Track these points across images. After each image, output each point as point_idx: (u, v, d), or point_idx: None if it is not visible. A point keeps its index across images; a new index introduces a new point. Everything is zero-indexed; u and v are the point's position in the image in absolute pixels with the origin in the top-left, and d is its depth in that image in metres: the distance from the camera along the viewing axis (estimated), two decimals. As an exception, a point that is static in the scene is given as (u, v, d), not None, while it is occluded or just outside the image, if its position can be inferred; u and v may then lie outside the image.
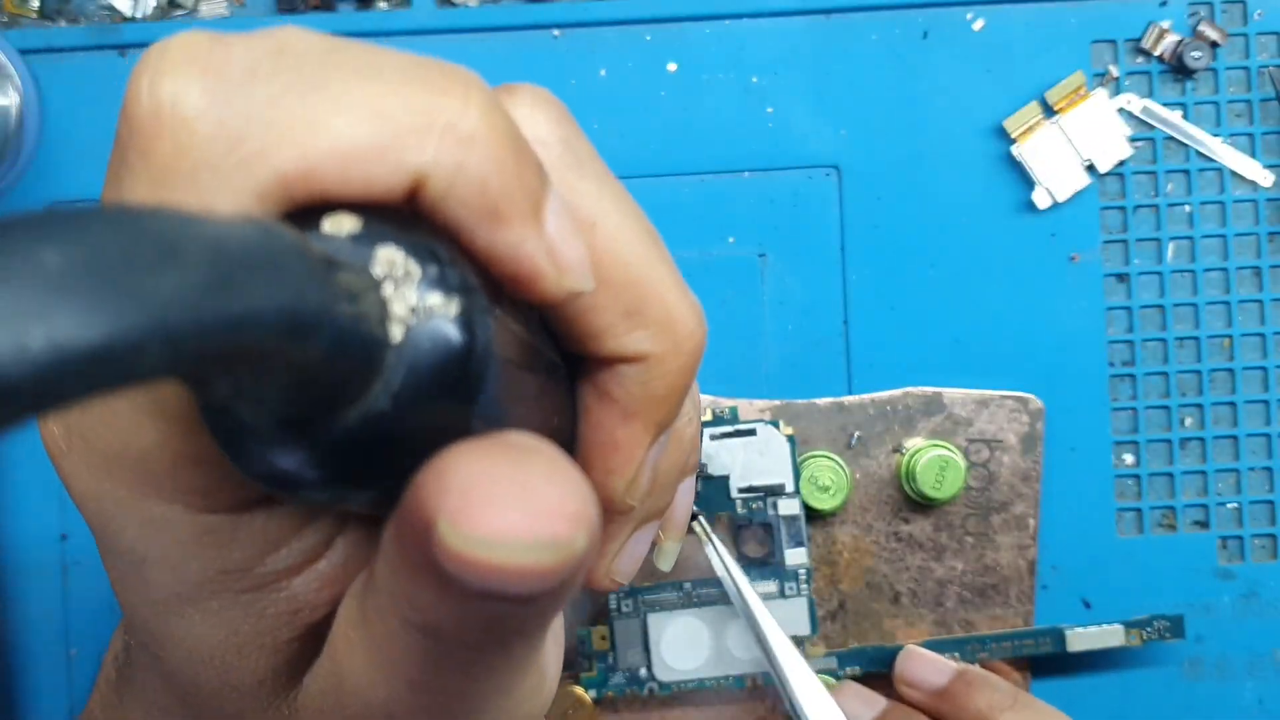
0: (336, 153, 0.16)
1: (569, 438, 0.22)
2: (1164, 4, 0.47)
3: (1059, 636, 0.45)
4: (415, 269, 0.16)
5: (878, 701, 0.44)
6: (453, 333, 0.16)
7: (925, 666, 0.44)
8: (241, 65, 0.17)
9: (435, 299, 0.16)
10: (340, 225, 0.17)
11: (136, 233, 0.12)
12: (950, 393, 0.46)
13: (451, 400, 0.17)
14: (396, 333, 0.16)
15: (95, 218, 0.12)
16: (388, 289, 0.16)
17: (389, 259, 0.16)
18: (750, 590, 0.40)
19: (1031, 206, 0.46)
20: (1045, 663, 0.47)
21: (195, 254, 0.13)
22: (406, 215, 0.17)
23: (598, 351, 0.20)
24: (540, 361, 0.20)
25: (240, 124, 0.16)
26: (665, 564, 0.38)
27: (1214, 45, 0.47)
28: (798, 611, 0.45)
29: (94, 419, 0.19)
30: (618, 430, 0.21)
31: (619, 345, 0.20)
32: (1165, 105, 0.47)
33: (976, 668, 0.44)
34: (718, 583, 0.44)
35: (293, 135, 0.16)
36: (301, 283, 0.14)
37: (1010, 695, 0.42)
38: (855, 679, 0.45)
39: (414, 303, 0.16)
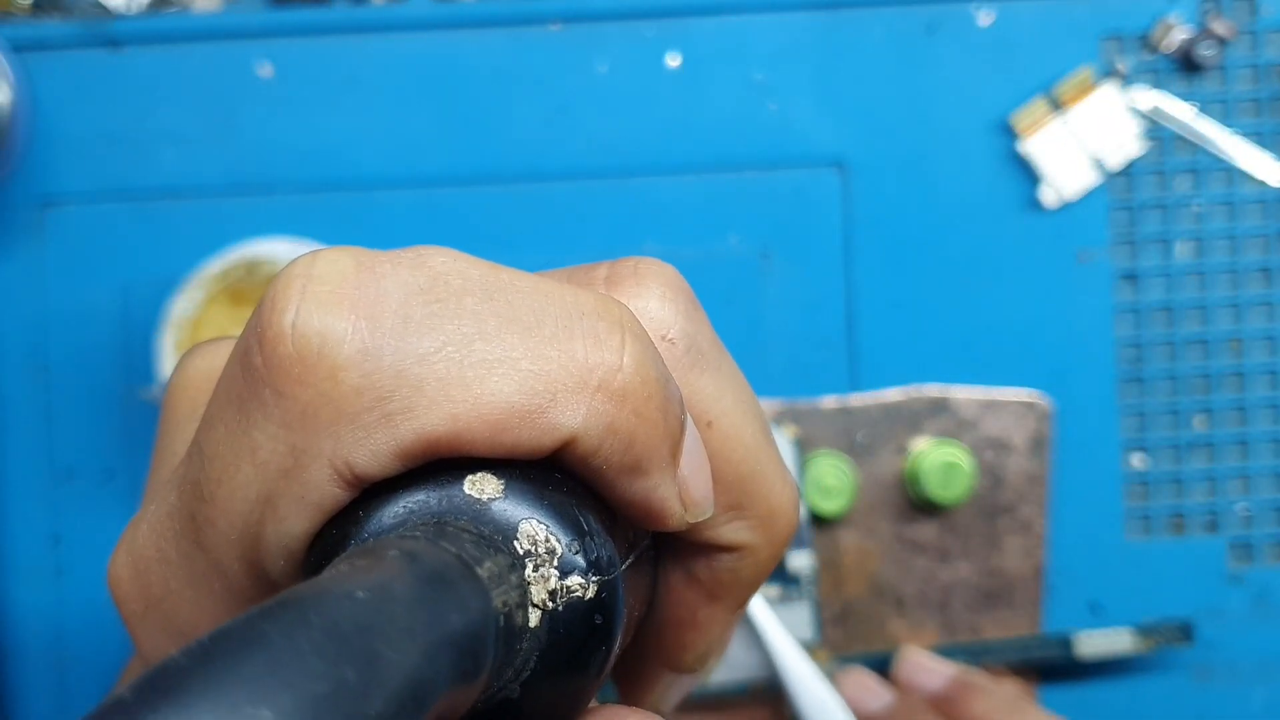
0: (488, 418, 0.16)
1: (646, 612, 0.21)
2: (1173, -1, 0.46)
3: (1066, 642, 0.45)
4: (557, 544, 0.16)
5: (883, 694, 0.44)
6: (591, 619, 0.16)
7: (920, 669, 0.44)
8: (393, 305, 0.16)
9: (575, 580, 0.16)
10: (482, 488, 0.16)
11: (339, 656, 0.12)
12: (957, 394, 0.45)
13: (580, 677, 0.17)
14: (534, 618, 0.16)
15: (296, 652, 0.12)
16: (529, 570, 0.16)
17: (531, 534, 0.16)
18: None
19: (1038, 204, 0.46)
20: (1053, 668, 0.46)
21: (394, 668, 0.13)
22: (545, 467, 0.17)
23: (694, 539, 0.20)
24: (643, 559, 0.20)
25: (388, 381, 0.16)
26: (705, 678, 0.38)
27: (1223, 41, 0.46)
28: (801, 616, 0.44)
29: (179, 602, 0.18)
30: (700, 610, 0.21)
31: (717, 535, 0.20)
32: (1175, 100, 0.46)
33: (975, 672, 0.44)
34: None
35: (444, 395, 0.16)
36: (479, 630, 0.14)
37: (1009, 702, 0.42)
38: (859, 685, 0.45)
39: (553, 586, 0.16)
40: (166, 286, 0.44)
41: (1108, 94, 0.46)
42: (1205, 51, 0.46)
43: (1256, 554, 0.47)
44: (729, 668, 0.43)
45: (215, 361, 0.19)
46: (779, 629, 0.40)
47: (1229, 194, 0.47)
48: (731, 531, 0.20)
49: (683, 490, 0.18)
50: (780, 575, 0.44)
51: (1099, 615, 0.46)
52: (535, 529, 0.16)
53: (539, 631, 0.16)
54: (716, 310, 0.46)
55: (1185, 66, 0.46)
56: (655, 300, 0.19)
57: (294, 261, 0.17)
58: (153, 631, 0.18)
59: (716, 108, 0.46)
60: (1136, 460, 0.47)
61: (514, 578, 0.16)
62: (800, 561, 0.44)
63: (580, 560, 0.16)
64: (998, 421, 0.45)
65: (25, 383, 0.46)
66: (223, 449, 0.17)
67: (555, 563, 0.16)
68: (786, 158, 0.46)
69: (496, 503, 0.16)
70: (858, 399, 0.46)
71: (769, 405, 0.45)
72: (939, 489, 0.44)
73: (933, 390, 0.46)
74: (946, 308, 0.46)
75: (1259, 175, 0.46)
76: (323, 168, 0.46)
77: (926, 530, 0.45)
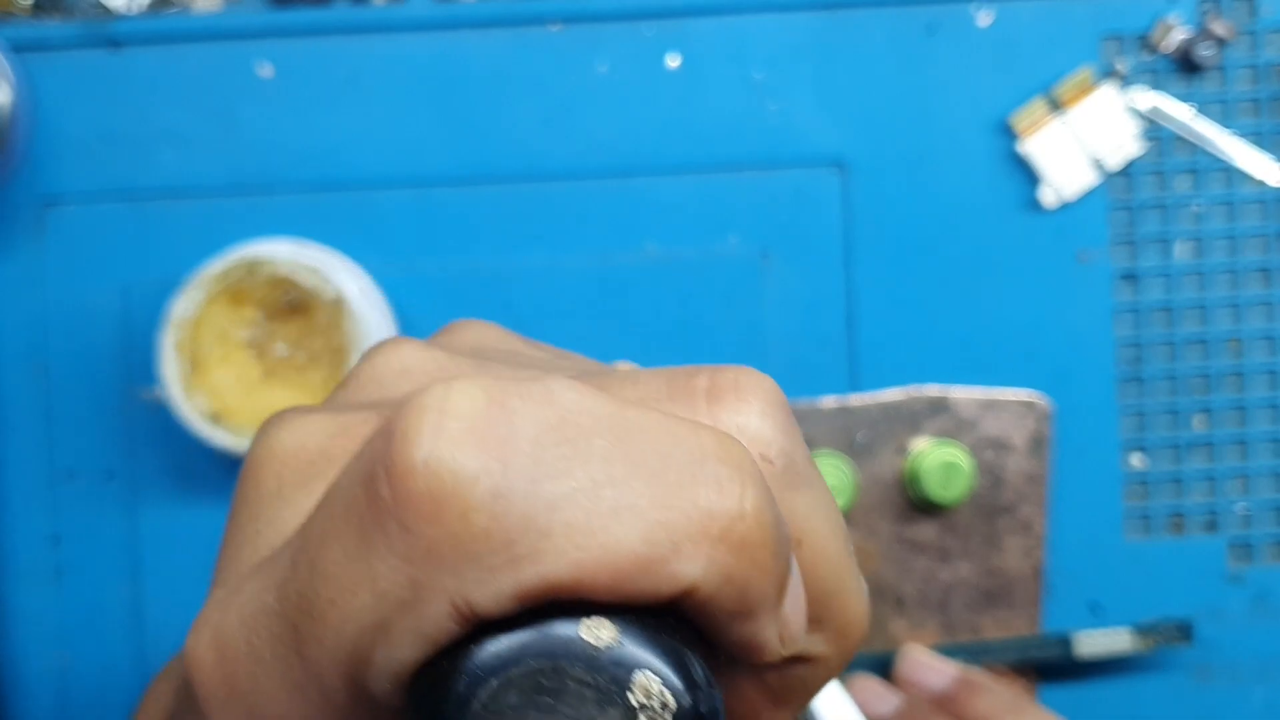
0: (610, 566, 0.16)
1: None
2: (1172, -1, 0.46)
3: (1066, 642, 0.45)
4: (671, 700, 0.16)
5: (891, 699, 0.44)
6: None
7: (925, 669, 0.44)
8: (525, 446, 0.16)
9: None
10: (598, 634, 0.16)
11: None
12: (956, 394, 0.46)
13: None
14: None
15: None
16: None
17: (645, 687, 0.16)
18: None
19: (1038, 204, 0.46)
20: (1053, 668, 0.46)
21: None
22: (656, 611, 0.17)
23: None
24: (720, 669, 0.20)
25: (517, 524, 0.16)
26: None
27: (1222, 41, 0.46)
28: (801, 616, 0.44)
29: (267, 700, 0.18)
30: (764, 713, 0.21)
31: (794, 648, 0.20)
32: (1174, 101, 0.47)
33: (977, 672, 0.44)
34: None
35: (571, 542, 0.16)
36: None
37: (1011, 701, 0.42)
38: (859, 684, 0.45)
39: None
40: (167, 286, 0.45)
41: (1107, 94, 0.46)
42: (1204, 52, 0.46)
43: (1256, 554, 0.47)
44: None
45: (304, 438, 0.19)
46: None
47: (1228, 194, 0.47)
48: (808, 643, 0.20)
49: (782, 627, 0.18)
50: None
51: (1098, 615, 0.47)
52: (649, 681, 0.16)
53: None
54: (716, 310, 0.46)
55: (1184, 67, 0.46)
56: (757, 417, 0.19)
57: (425, 392, 0.17)
58: (232, 718, 0.19)
59: (716, 108, 0.46)
60: (1136, 460, 0.47)
61: None
62: (800, 561, 0.44)
63: (690, 714, 0.16)
64: (997, 421, 0.46)
65: (25, 383, 0.46)
66: (340, 572, 0.17)
67: (669, 717, 0.16)
68: (786, 158, 0.46)
69: (611, 650, 0.16)
70: (857, 399, 0.46)
71: (769, 405, 0.45)
72: (939, 489, 0.44)
73: (932, 390, 0.46)
74: (946, 308, 0.46)
75: (1258, 175, 0.47)
76: (323, 168, 0.46)
77: (926, 530, 0.46)
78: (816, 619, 0.20)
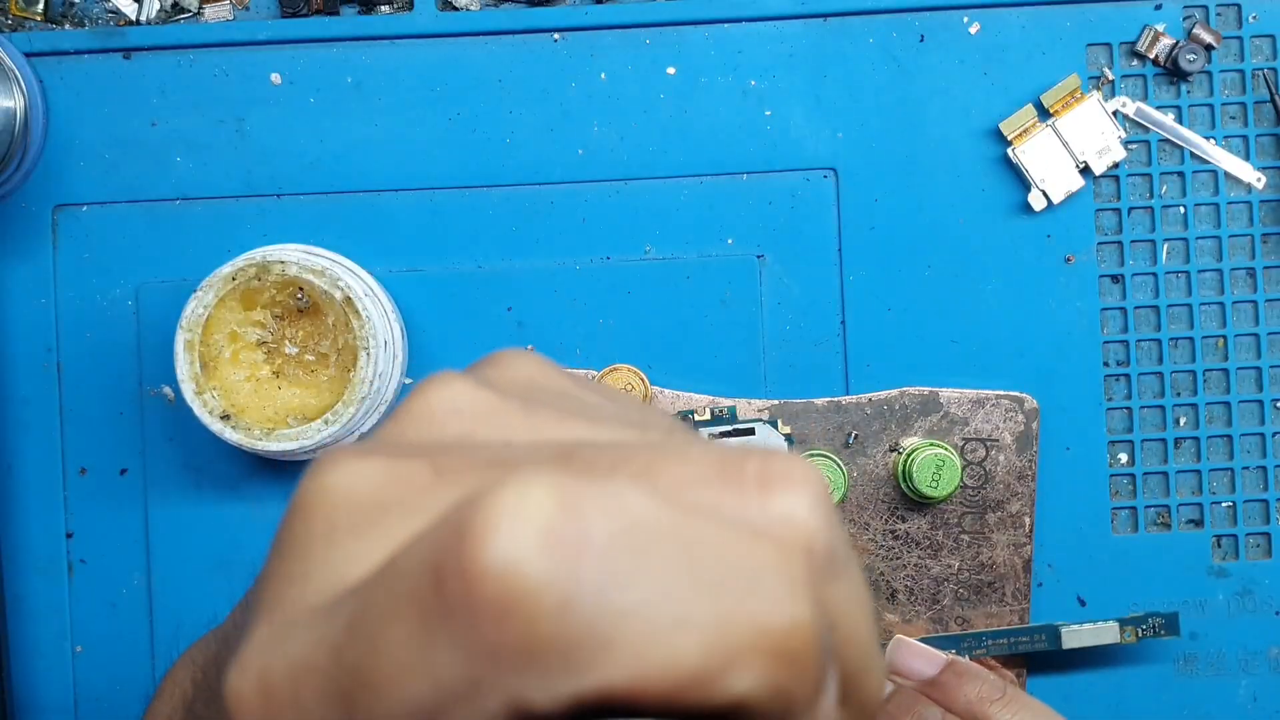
0: (668, 680, 0.16)
1: None
2: (1159, 7, 0.47)
3: (1054, 634, 0.46)
4: None
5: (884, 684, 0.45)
6: None
7: (916, 657, 0.45)
8: (594, 553, 0.16)
9: None
10: None
11: None
12: (946, 392, 0.46)
13: None
14: None
15: None
16: None
17: None
18: None
19: (1027, 208, 0.47)
20: (1040, 659, 0.47)
21: None
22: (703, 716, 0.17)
23: None
24: None
25: (582, 632, 0.16)
26: None
27: (1209, 48, 0.47)
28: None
29: None
30: None
31: None
32: (1160, 108, 0.47)
33: (966, 660, 0.45)
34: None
35: (631, 653, 0.16)
36: None
37: (999, 688, 0.43)
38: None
39: None
40: (178, 288, 0.45)
41: (1095, 100, 0.47)
42: (1190, 57, 0.46)
43: (1240, 549, 0.48)
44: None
45: (357, 482, 0.19)
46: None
47: (1214, 197, 0.47)
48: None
49: (816, 718, 0.18)
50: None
51: (1086, 609, 0.47)
52: None
53: None
54: (714, 312, 0.47)
55: (1171, 73, 0.47)
56: (804, 509, 0.19)
57: (497, 491, 0.17)
58: None
59: (713, 115, 0.47)
60: (1123, 457, 0.48)
61: None
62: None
63: None
64: (987, 419, 0.46)
65: (40, 382, 0.47)
66: (400, 654, 0.17)
67: None
68: (781, 163, 0.47)
69: None
70: (850, 398, 0.47)
71: (765, 404, 0.46)
72: (929, 485, 0.45)
73: (923, 389, 0.47)
74: (938, 309, 0.47)
75: (1244, 178, 0.47)
76: (331, 173, 0.47)
77: (917, 525, 0.47)
78: (841, 696, 0.20)
